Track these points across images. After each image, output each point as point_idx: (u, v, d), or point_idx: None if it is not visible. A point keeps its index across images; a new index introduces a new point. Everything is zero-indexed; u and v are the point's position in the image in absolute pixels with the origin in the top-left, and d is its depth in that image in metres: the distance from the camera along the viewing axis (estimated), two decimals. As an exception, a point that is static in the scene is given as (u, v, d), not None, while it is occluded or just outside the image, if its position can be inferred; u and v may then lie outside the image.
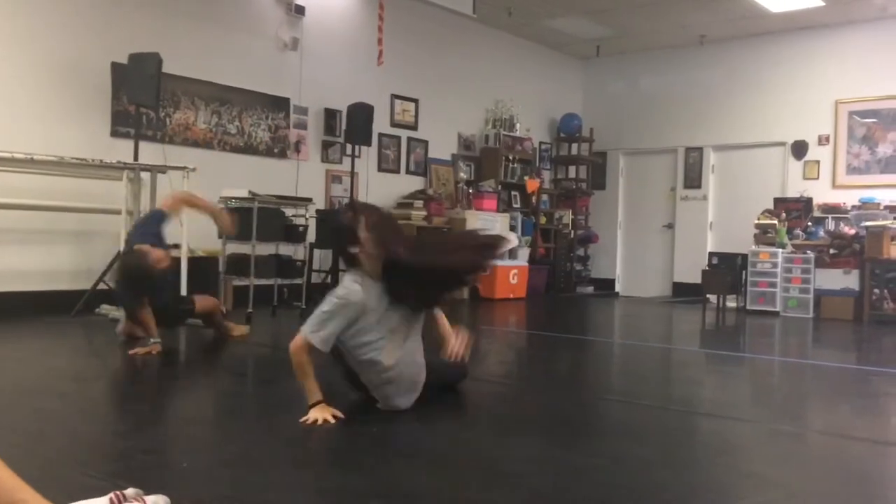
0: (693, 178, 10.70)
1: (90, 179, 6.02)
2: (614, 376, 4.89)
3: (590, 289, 11.13)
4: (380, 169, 8.94)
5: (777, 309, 8.55)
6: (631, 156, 11.40)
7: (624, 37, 10.41)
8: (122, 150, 6.26)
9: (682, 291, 10.34)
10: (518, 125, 10.40)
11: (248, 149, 7.61)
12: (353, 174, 8.07)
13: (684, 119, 10.71)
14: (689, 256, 10.37)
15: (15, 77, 5.92)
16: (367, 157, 8.63)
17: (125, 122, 6.51)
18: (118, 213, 5.78)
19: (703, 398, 4.12)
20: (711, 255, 9.19)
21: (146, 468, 2.34)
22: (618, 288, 11.35)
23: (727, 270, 8.69)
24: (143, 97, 6.13)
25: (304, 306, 6.65)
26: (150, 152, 6.50)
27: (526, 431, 3.11)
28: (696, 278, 9.18)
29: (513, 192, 10.31)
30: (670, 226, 10.90)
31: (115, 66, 6.42)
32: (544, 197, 10.87)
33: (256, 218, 6.14)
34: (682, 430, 3.23)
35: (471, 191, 9.57)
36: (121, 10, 6.52)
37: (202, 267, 6.25)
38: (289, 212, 6.80)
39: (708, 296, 8.79)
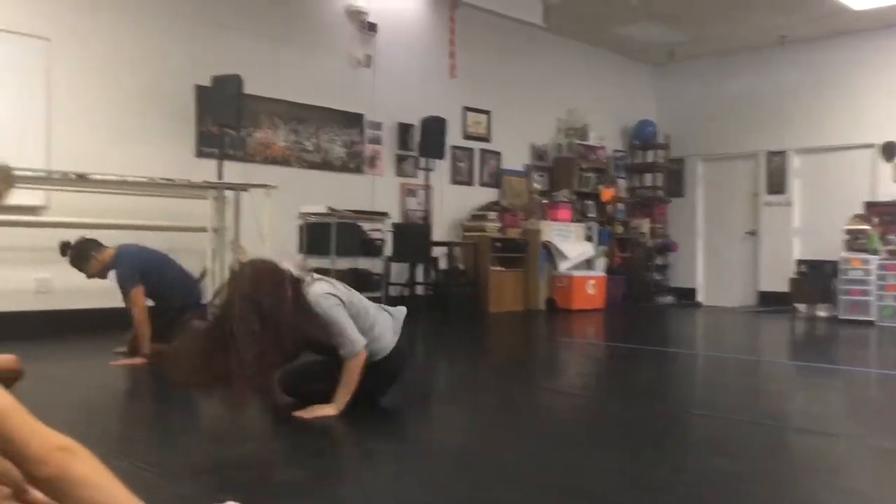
0: (776, 183, 10.37)
1: (177, 199, 6.25)
2: (698, 389, 4.76)
3: (669, 298, 10.89)
4: (453, 181, 8.99)
5: (871, 318, 8.17)
6: (709, 161, 11.13)
7: (699, 40, 10.20)
8: (206, 170, 6.48)
9: (768, 301, 10.00)
10: (591, 134, 10.29)
11: (325, 165, 7.76)
12: (427, 187, 8.14)
13: (765, 122, 10.40)
14: (775, 264, 10.03)
15: (106, 101, 6.21)
16: (441, 169, 8.68)
17: (209, 143, 6.74)
18: (204, 230, 5.97)
19: (795, 412, 3.96)
20: (800, 262, 8.88)
21: (241, 481, 2.40)
22: (699, 297, 11.07)
23: (817, 278, 8.38)
24: (225, 118, 6.33)
25: (382, 319, 6.71)
26: (233, 171, 6.70)
27: (607, 445, 3.06)
28: (782, 287, 8.89)
29: (587, 202, 10.20)
30: (753, 233, 10.58)
31: (199, 89, 6.66)
32: (620, 206, 10.72)
33: (335, 233, 6.25)
34: (774, 446, 3.12)
35: (545, 201, 9.51)
36: (203, 35, 6.77)
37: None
38: (366, 226, 6.90)
39: (797, 305, 8.48)
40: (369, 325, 3.26)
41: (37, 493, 1.28)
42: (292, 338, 2.91)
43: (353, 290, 3.35)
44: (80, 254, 4.65)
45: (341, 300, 3.16)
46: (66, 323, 5.77)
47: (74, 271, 5.68)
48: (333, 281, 3.29)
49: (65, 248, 4.67)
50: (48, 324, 5.68)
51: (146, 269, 4.68)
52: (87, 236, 4.76)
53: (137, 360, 4.55)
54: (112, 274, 4.69)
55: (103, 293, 6.07)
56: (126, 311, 4.68)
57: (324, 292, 3.11)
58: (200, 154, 6.75)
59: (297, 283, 3.04)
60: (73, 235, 5.78)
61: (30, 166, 5.24)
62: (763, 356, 6.37)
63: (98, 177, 5.41)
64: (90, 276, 4.74)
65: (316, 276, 3.24)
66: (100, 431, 3.00)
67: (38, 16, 5.84)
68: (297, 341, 3.00)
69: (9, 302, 5.57)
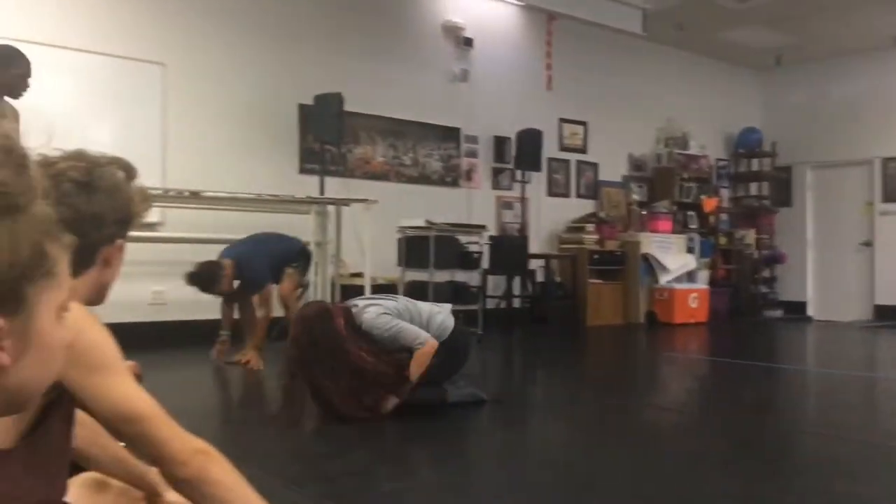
0: (893, 191, 9.80)
1: (282, 213, 6.46)
2: (812, 407, 4.54)
3: (778, 312, 10.44)
4: (549, 193, 8.93)
5: None
6: (819, 169, 10.64)
7: (807, 44, 9.78)
8: (309, 186, 6.68)
9: (887, 315, 9.45)
10: (692, 142, 10.02)
11: (422, 179, 7.86)
12: (523, 200, 8.12)
13: (880, 127, 9.86)
14: (893, 276, 9.48)
15: (216, 122, 6.50)
16: (537, 182, 8.65)
17: (312, 159, 6.95)
18: (307, 244, 6.14)
19: (921, 433, 3.72)
20: (919, 274, 8.36)
21: (353, 489, 2.45)
22: (810, 311, 10.56)
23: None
24: (327, 135, 6.52)
25: (480, 332, 6.73)
26: (334, 186, 6.88)
27: (718, 465, 2.95)
28: (901, 300, 8.40)
29: (689, 213, 9.93)
30: (868, 243, 10.03)
31: (302, 108, 6.88)
32: (723, 216, 10.38)
33: (433, 246, 6.31)
34: (893, 467, 2.94)
35: (644, 212, 9.32)
36: (305, 56, 6.99)
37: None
38: (463, 239, 6.94)
39: (917, 319, 8.00)
40: (426, 319, 3.69)
41: (170, 498, 1.35)
42: (370, 358, 3.43)
43: (400, 297, 3.96)
44: (211, 277, 4.90)
45: (392, 313, 3.57)
46: (179, 333, 6.05)
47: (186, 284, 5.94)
48: (379, 299, 3.76)
49: (192, 277, 4.90)
50: (163, 334, 5.96)
51: (265, 260, 4.93)
52: (202, 261, 5.01)
53: (252, 362, 4.75)
54: (236, 283, 4.95)
55: (213, 304, 6.34)
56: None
57: (377, 315, 3.53)
58: (303, 170, 6.96)
59: (347, 313, 3.51)
60: (187, 250, 6.08)
61: (147, 185, 5.53)
62: (880, 373, 6.02)
63: (210, 193, 5.67)
64: (221, 293, 4.99)
65: (361, 302, 3.66)
66: (220, 437, 3.12)
67: (154, 43, 6.18)
68: (383, 360, 3.48)
69: (126, 313, 5.84)
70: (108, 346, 1.15)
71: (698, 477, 2.74)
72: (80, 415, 1.18)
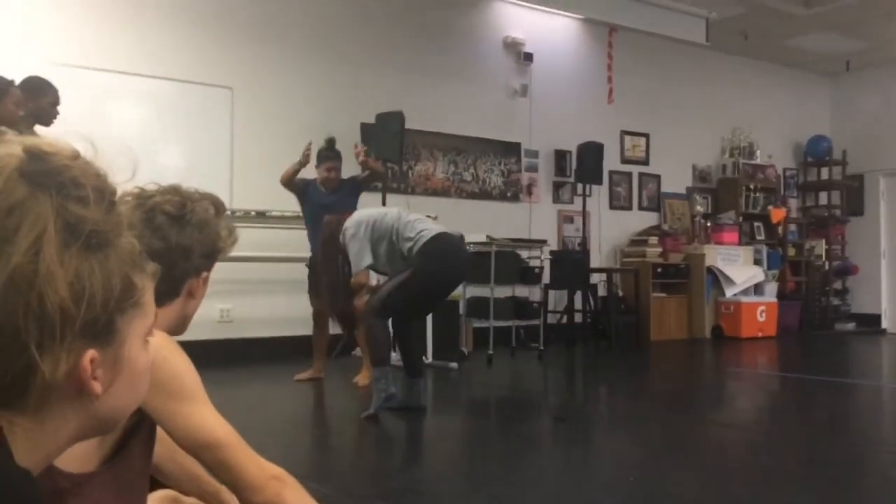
0: (973, 198, 9.40)
1: (344, 231, 6.57)
2: (886, 425, 4.39)
3: (850, 325, 10.09)
4: (611, 206, 8.85)
5: None
6: (892, 177, 10.27)
7: (878, 48, 9.48)
8: (371, 203, 6.76)
9: (967, 327, 9.05)
10: (758, 152, 9.81)
11: (483, 194, 7.90)
12: (584, 213, 8.07)
13: (958, 132, 9.48)
14: (974, 287, 9.07)
15: (282, 143, 6.65)
16: (599, 195, 8.58)
17: (373, 177, 7.04)
18: (369, 261, 6.25)
19: None
20: None
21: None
22: (884, 324, 10.18)
23: None
24: (388, 153, 6.61)
25: (541, 347, 6.71)
26: (396, 203, 6.95)
27: (786, 485, 2.89)
28: (984, 312, 8.03)
29: (756, 224, 9.70)
30: (947, 253, 9.63)
31: (364, 126, 7.00)
32: (792, 227, 10.10)
33: (494, 261, 6.33)
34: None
35: (709, 224, 9.15)
36: (366, 75, 7.12)
37: (445, 310, 6.54)
38: (524, 254, 6.95)
39: None
40: (414, 231, 3.91)
41: None
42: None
43: (402, 211, 4.18)
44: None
45: (363, 226, 3.91)
46: (246, 350, 6.21)
47: (253, 302, 6.12)
48: (373, 211, 4.16)
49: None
50: (230, 351, 6.12)
51: None
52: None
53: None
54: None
55: (281, 322, 6.48)
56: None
57: (349, 225, 3.93)
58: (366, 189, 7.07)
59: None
60: (253, 269, 6.25)
61: (216, 205, 5.71)
62: (964, 391, 5.77)
63: (276, 213, 5.82)
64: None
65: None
66: (287, 456, 3.20)
67: (222, 67, 6.39)
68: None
69: (196, 331, 6.03)
70: (189, 375, 1.21)
71: (765, 496, 2.69)
72: (157, 430, 1.24)
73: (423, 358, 5.16)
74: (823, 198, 10.51)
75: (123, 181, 0.82)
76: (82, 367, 0.67)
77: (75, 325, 0.65)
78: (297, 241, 6.34)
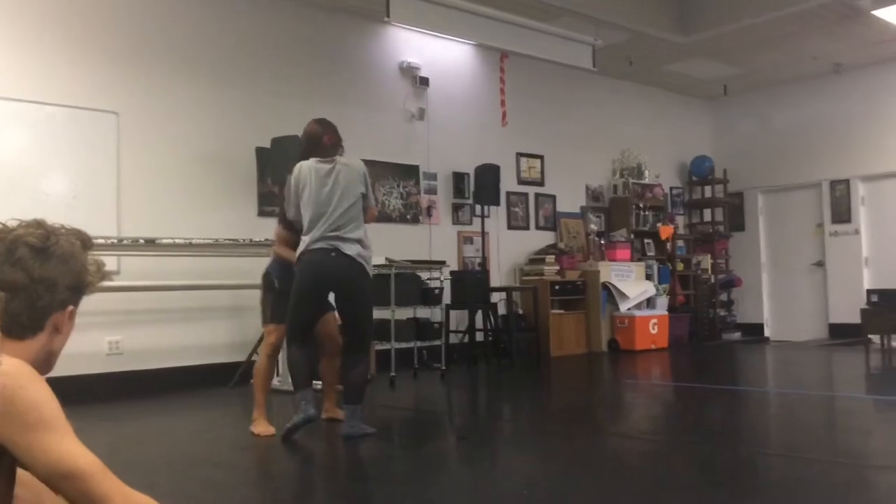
0: (842, 213, 10.10)
1: (242, 258, 6.43)
2: (772, 429, 4.62)
3: (737, 335, 10.62)
4: (509, 227, 9.02)
5: (952, 347, 7.82)
6: (770, 193, 10.93)
7: (752, 73, 10.11)
8: (268, 229, 6.64)
9: (840, 333, 9.67)
10: (647, 172, 10.24)
11: (383, 217, 7.88)
12: (483, 234, 8.19)
13: (826, 151, 10.19)
14: (845, 295, 9.72)
15: (172, 169, 6.48)
16: (497, 216, 8.74)
17: (270, 202, 6.94)
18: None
19: (875, 449, 3.82)
20: (870, 292, 8.59)
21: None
22: (767, 333, 10.77)
23: (889, 308, 8.08)
24: (285, 177, 6.52)
25: (444, 367, 6.73)
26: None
27: (679, 490, 2.99)
28: (854, 318, 8.59)
29: (646, 241, 10.10)
30: (820, 264, 10.29)
31: (259, 151, 6.89)
32: (680, 243, 10.57)
33: (394, 283, 6.33)
34: (854, 486, 3.01)
35: (602, 242, 9.46)
36: (261, 99, 7.02)
37: (346, 334, 6.48)
38: (424, 275, 6.97)
39: (870, 336, 8.19)
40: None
41: None
42: None
43: (330, 165, 4.21)
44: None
45: (295, 174, 4.18)
46: (138, 383, 5.95)
47: (144, 333, 5.88)
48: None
49: None
50: (121, 385, 5.86)
51: None
52: None
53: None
54: None
55: (174, 352, 6.27)
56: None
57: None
58: (262, 213, 6.95)
59: None
60: (144, 298, 6.02)
61: (102, 233, 5.49)
62: (838, 391, 6.15)
63: (166, 241, 5.64)
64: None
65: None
66: (179, 490, 3.08)
67: (108, 92, 6.16)
68: None
69: (82, 365, 5.76)
70: (49, 404, 1.15)
71: (660, 502, 2.78)
72: (22, 475, 1.18)
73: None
74: (707, 214, 11.05)
75: None
76: None
77: None
78: (190, 269, 6.16)
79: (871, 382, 6.49)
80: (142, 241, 5.52)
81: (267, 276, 4.49)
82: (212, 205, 6.62)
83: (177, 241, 5.73)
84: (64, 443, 1.14)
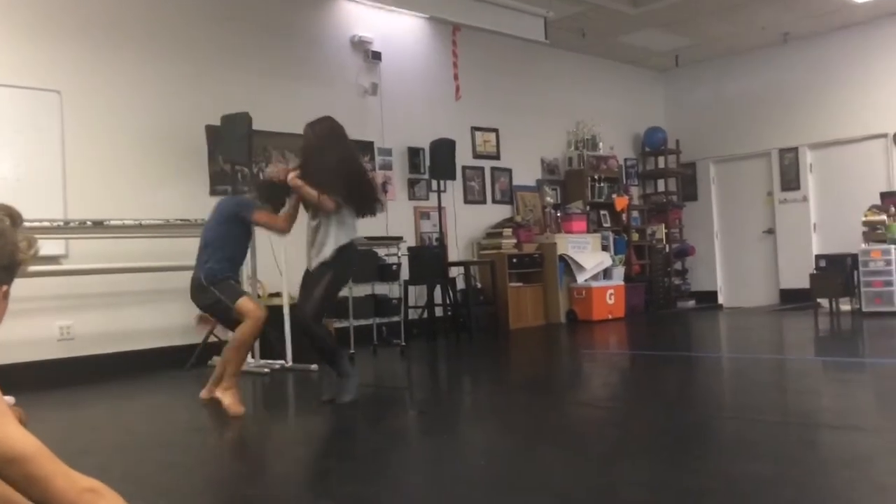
0: (790, 180, 10.31)
1: (194, 238, 6.31)
2: (726, 392, 4.72)
3: (691, 303, 10.82)
4: (466, 201, 9.01)
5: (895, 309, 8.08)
6: (721, 163, 11.10)
7: (703, 44, 10.21)
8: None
9: (791, 298, 9.92)
10: (601, 144, 10.30)
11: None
12: (440, 209, 8.17)
13: (775, 120, 10.37)
14: (795, 261, 9.96)
15: (119, 148, 6.31)
16: (453, 190, 8.72)
17: (222, 181, 6.82)
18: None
19: (824, 409, 3.93)
20: (818, 257, 8.80)
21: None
22: (720, 300, 10.99)
23: (837, 272, 8.30)
24: (236, 155, 6.42)
25: (403, 343, 6.74)
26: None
27: (637, 455, 3.05)
28: (804, 283, 8.81)
29: (602, 212, 10.19)
30: (771, 231, 10.51)
31: (209, 129, 6.76)
32: (635, 213, 10.69)
33: (351, 260, 6.27)
34: (803, 445, 3.09)
35: (559, 214, 9.52)
36: (210, 77, 6.87)
37: (303, 312, 6.42)
38: (381, 251, 6.94)
39: (819, 301, 8.41)
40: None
41: None
42: None
43: None
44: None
45: None
46: (91, 368, 5.83)
47: (96, 317, 5.76)
48: None
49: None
50: (73, 370, 5.74)
51: None
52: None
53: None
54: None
55: (128, 336, 6.16)
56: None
57: None
58: (214, 192, 6.82)
59: None
60: (94, 282, 5.88)
61: (48, 216, 5.34)
62: (788, 354, 6.31)
63: (115, 222, 5.51)
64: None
65: None
66: (132, 473, 3.03)
67: (49, 70, 5.96)
68: None
69: (33, 351, 5.64)
70: None
71: (614, 467, 2.82)
72: None
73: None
74: (661, 185, 11.18)
75: None
76: None
77: None
78: (141, 250, 6.03)
79: (820, 345, 6.68)
80: (90, 222, 5.38)
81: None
82: (162, 184, 6.48)
83: (126, 222, 5.60)
84: (4, 426, 1.10)
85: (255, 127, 6.44)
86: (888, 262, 8.14)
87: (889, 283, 8.13)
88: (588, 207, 9.85)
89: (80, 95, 6.10)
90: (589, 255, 9.16)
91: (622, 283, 9.43)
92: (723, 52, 10.55)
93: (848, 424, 3.40)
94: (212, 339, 6.21)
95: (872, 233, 8.43)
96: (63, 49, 6.06)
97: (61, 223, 5.49)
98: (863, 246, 8.40)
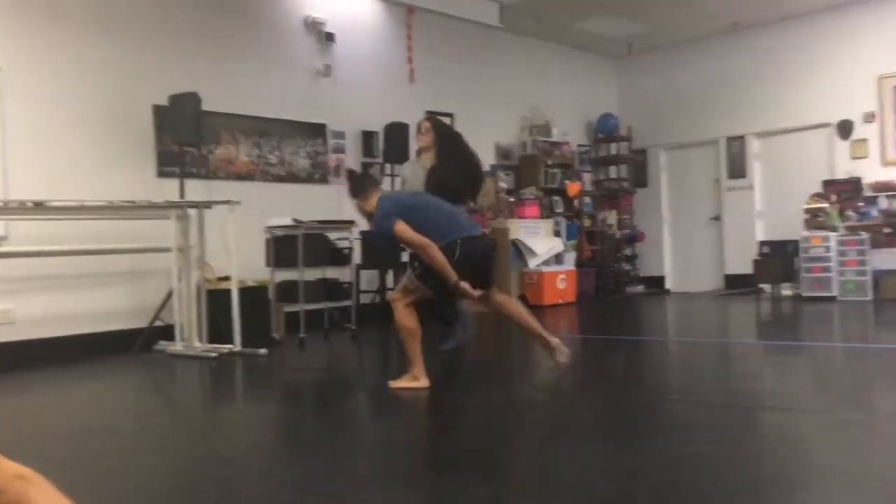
0: (737, 168, 10.52)
1: (140, 220, 6.20)
2: (671, 375, 4.83)
3: (640, 288, 11.01)
4: (421, 185, 8.98)
5: (834, 294, 8.34)
6: (671, 150, 11.28)
7: (655, 32, 10.33)
8: (169, 190, 6.43)
9: (735, 283, 10.15)
10: (555, 130, 10.37)
11: (290, 177, 7.74)
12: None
13: (723, 109, 10.56)
14: (740, 247, 10.19)
15: (63, 127, 6.14)
16: (407, 174, 8.68)
17: (170, 162, 6.69)
18: (168, 250, 5.93)
19: (765, 391, 4.04)
20: (762, 244, 9.03)
21: (218, 501, 2.40)
22: (668, 285, 11.20)
23: (779, 258, 8.53)
24: (185, 136, 6.30)
25: (354, 327, 6.72)
26: (196, 189, 6.66)
27: (584, 437, 3.10)
28: (748, 269, 9.03)
29: (554, 198, 10.27)
30: (717, 218, 10.73)
31: (157, 109, 6.61)
32: (587, 199, 10.81)
33: (302, 244, 6.23)
34: (744, 426, 3.18)
35: (512, 199, 9.56)
36: (158, 55, 6.71)
37: (253, 296, 6.36)
38: (333, 236, 6.89)
39: (761, 286, 8.63)
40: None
41: None
42: None
43: None
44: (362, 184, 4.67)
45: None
46: (33, 353, 5.69)
47: (38, 300, 5.62)
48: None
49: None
50: (13, 354, 5.59)
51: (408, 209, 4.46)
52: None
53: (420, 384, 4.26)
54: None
55: (71, 319, 6.02)
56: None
57: None
58: (162, 174, 6.69)
59: None
60: (35, 264, 5.73)
61: (-14, 196, 5.17)
62: (731, 338, 6.47)
63: (57, 203, 5.35)
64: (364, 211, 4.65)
65: None
66: (70, 462, 2.97)
67: (-13, 44, 5.76)
68: None
69: (-27, 335, 5.49)
70: None
71: (558, 449, 2.86)
72: None
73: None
74: (613, 171, 11.32)
75: None
76: None
77: None
78: (84, 232, 5.88)
79: (762, 329, 6.86)
80: (30, 203, 5.22)
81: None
82: (106, 165, 6.33)
83: (68, 203, 5.44)
84: None
85: (205, 108, 6.33)
86: (827, 249, 8.39)
87: (828, 269, 8.39)
88: (541, 193, 9.92)
89: (21, 72, 5.91)
90: (541, 240, 9.24)
91: (573, 268, 9.53)
92: (675, 40, 10.69)
93: (786, 406, 3.51)
94: (157, 322, 6.12)
95: (814, 220, 8.67)
96: (3, 25, 5.85)
97: (1, 204, 5.32)
98: (804, 233, 8.64)
